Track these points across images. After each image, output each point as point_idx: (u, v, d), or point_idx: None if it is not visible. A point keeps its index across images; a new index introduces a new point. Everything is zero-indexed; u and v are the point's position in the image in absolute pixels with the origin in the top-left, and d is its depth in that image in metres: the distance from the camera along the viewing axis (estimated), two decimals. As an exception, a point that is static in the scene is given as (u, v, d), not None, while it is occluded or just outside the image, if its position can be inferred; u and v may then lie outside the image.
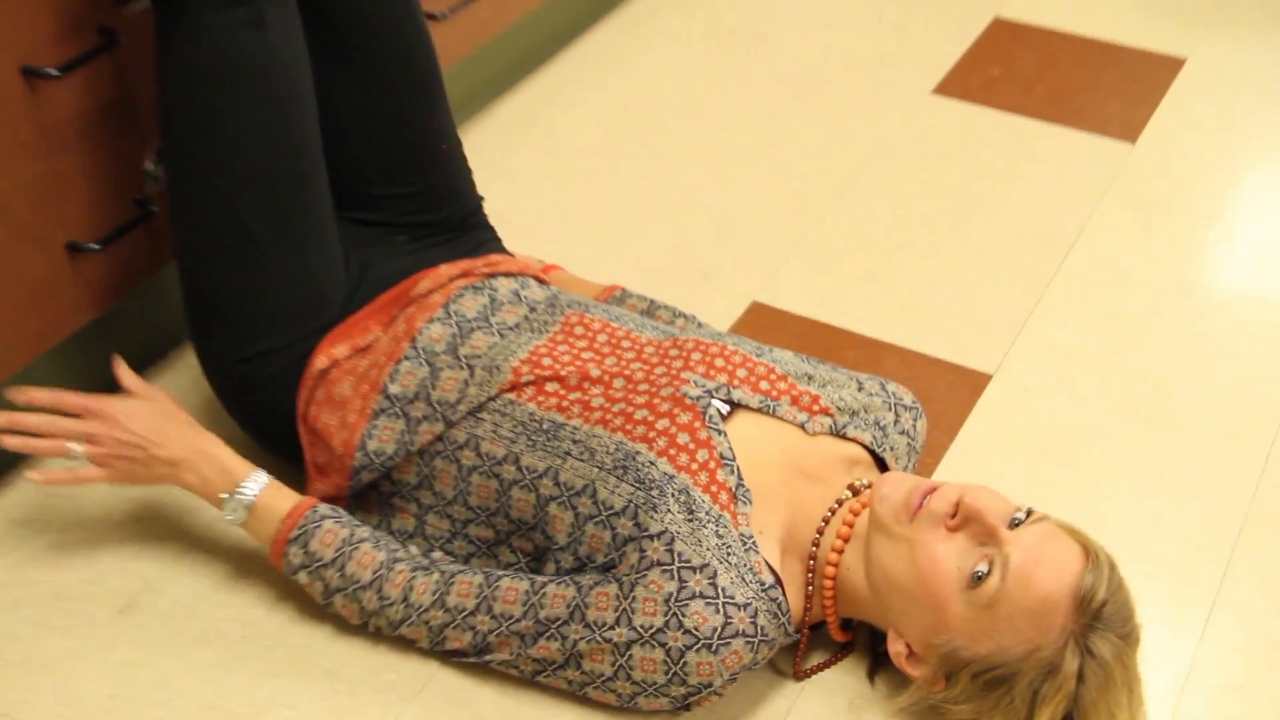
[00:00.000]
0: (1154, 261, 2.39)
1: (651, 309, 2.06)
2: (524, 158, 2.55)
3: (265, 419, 1.83)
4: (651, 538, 1.59)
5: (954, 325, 2.26)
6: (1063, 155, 2.63)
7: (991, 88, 2.80)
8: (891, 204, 2.50)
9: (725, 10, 2.98)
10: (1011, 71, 2.85)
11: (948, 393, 2.13)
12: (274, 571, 1.72)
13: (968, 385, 2.15)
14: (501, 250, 2.03)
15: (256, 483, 1.72)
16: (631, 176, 2.52)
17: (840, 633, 1.71)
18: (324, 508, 1.71)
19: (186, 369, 2.07)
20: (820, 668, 1.73)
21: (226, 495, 1.72)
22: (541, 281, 1.95)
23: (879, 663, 1.72)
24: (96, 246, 1.80)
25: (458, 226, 2.00)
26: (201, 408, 1.98)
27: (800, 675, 1.72)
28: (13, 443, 1.72)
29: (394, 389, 1.75)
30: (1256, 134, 2.72)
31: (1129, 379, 2.17)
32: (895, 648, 1.63)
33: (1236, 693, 1.76)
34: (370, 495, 1.79)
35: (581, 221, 2.42)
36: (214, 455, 1.75)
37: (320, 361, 1.78)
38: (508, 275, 1.91)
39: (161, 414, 1.78)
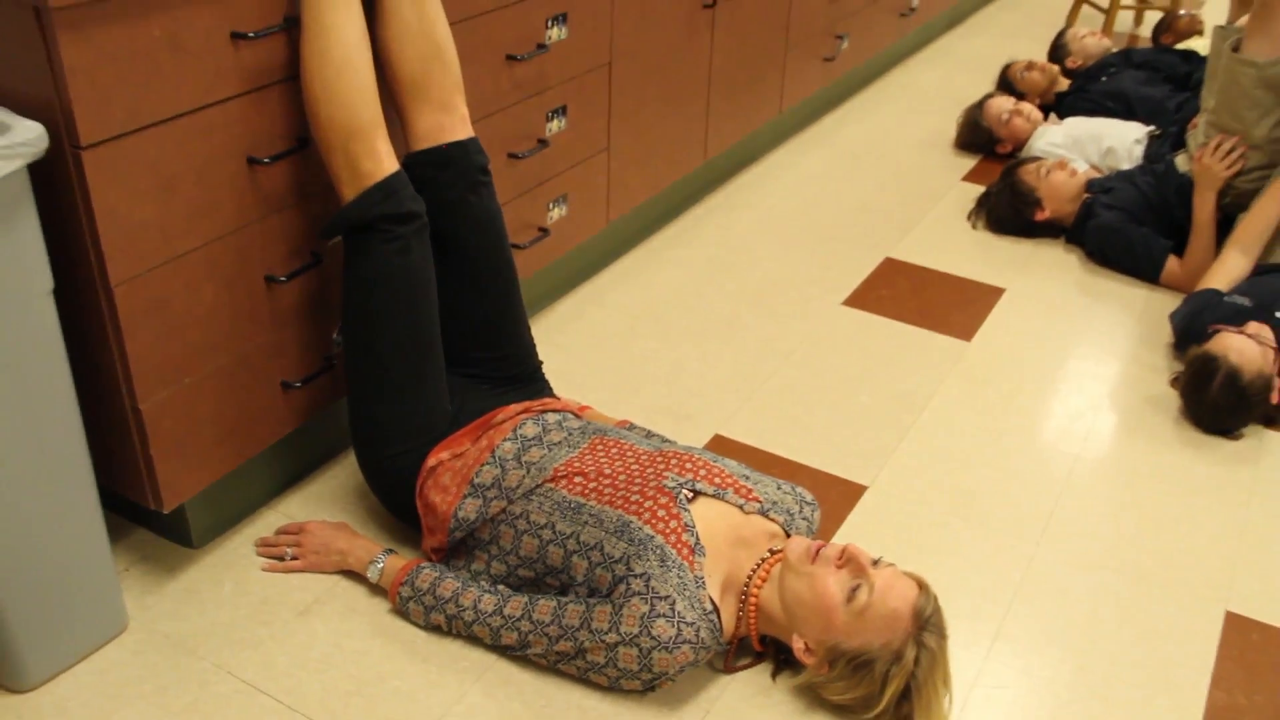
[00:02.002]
0: (980, 417, 2.37)
1: (650, 436, 2.03)
2: (572, 336, 2.54)
3: (395, 496, 1.84)
4: (636, 576, 1.60)
5: (845, 454, 2.23)
6: (924, 347, 2.60)
7: (881, 301, 2.77)
8: (811, 374, 2.47)
9: (710, 246, 2.97)
10: (895, 292, 2.82)
11: (837, 497, 2.11)
12: (388, 606, 1.75)
13: (851, 492, 2.13)
14: (552, 394, 2.02)
15: (385, 555, 1.79)
16: (643, 352, 2.50)
17: (758, 644, 1.72)
18: (423, 565, 1.75)
19: (349, 464, 2.09)
20: (743, 667, 1.73)
21: (371, 563, 1.79)
22: (579, 415, 1.94)
23: (779, 668, 1.72)
24: (299, 385, 1.84)
25: (524, 379, 2.00)
26: (355, 491, 2.02)
27: (729, 670, 1.72)
28: (261, 552, 1.86)
29: (478, 481, 1.76)
30: (1050, 338, 2.68)
31: (958, 492, 2.15)
32: (797, 645, 1.64)
33: (1007, 703, 1.75)
34: (460, 547, 1.80)
35: (608, 379, 2.40)
36: (361, 545, 1.83)
37: (431, 461, 1.80)
38: (555, 411, 1.91)
39: (331, 529, 1.86)
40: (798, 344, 2.60)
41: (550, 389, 2.06)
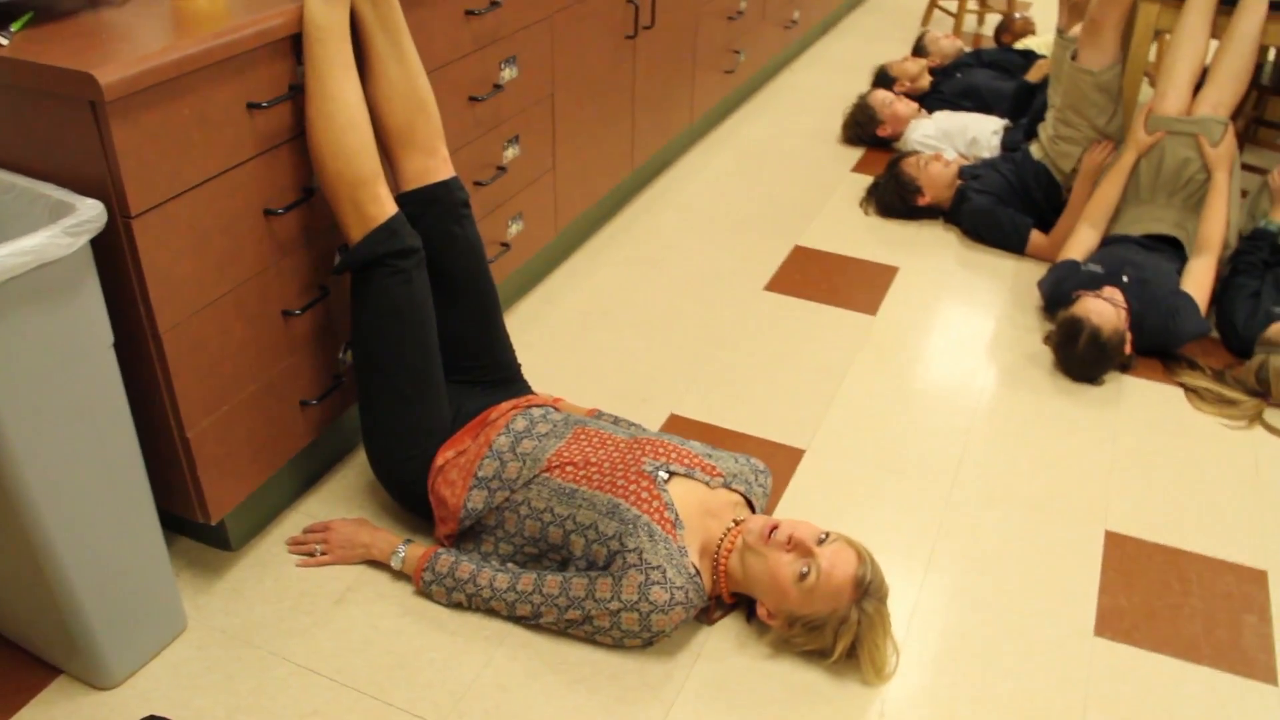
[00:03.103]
0: (891, 381, 2.47)
1: (617, 421, 2.10)
2: (535, 336, 2.58)
3: (409, 494, 1.89)
4: (630, 550, 1.68)
5: (783, 422, 2.31)
6: (836, 323, 2.69)
7: (796, 285, 2.85)
8: (746, 354, 2.54)
9: (643, 245, 3.02)
10: (807, 276, 2.89)
11: (782, 461, 2.20)
12: (412, 589, 1.80)
13: (792, 456, 2.21)
14: (531, 392, 2.07)
15: (405, 545, 1.84)
16: (598, 345, 2.55)
17: (729, 599, 1.80)
18: (440, 551, 1.81)
19: (358, 464, 2.13)
20: (720, 617, 1.82)
21: (393, 554, 1.84)
22: (557, 408, 2.01)
23: (752, 614, 1.81)
24: (315, 401, 1.88)
25: (508, 381, 2.05)
26: (365, 488, 2.07)
27: (710, 622, 1.81)
28: (293, 550, 1.89)
29: (481, 474, 1.82)
30: (941, 308, 2.78)
31: (882, 448, 2.25)
32: (761, 611, 1.74)
33: (941, 620, 1.88)
34: (468, 533, 1.85)
35: (572, 372, 2.45)
36: (383, 537, 1.88)
37: (439, 461, 1.85)
38: (539, 406, 1.97)
39: (354, 525, 1.91)
40: (730, 328, 2.67)
41: (529, 386, 2.11)
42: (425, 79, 1.84)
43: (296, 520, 1.98)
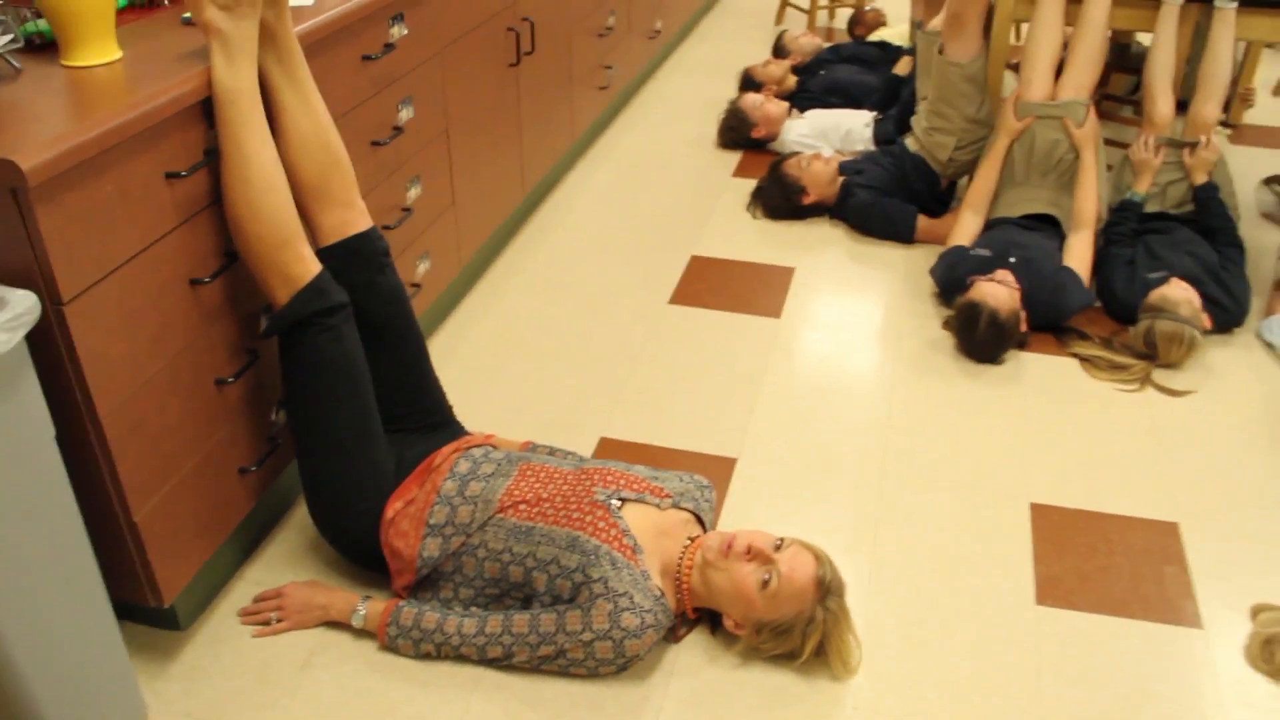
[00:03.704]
0: (807, 380, 2.55)
1: (554, 451, 2.12)
2: (453, 373, 2.57)
3: (360, 549, 1.88)
4: (595, 581, 1.71)
5: (711, 433, 2.37)
6: (745, 329, 2.77)
7: (699, 295, 2.91)
8: (662, 369, 2.59)
9: (542, 268, 3.04)
10: (708, 285, 2.96)
11: (717, 472, 2.26)
12: (377, 645, 1.79)
13: (726, 466, 2.28)
14: (467, 432, 2.08)
15: (365, 602, 1.83)
16: (515, 375, 2.56)
17: (693, 613, 1.85)
18: (402, 604, 1.80)
19: (297, 524, 2.09)
20: (686, 634, 1.87)
21: (353, 612, 1.83)
22: (495, 446, 2.02)
23: (717, 626, 1.87)
24: (255, 468, 1.85)
25: (443, 423, 2.06)
26: (308, 547, 2.03)
27: (677, 639, 1.86)
28: (247, 621, 1.86)
29: (433, 521, 1.83)
30: (840, 303, 2.89)
31: (810, 448, 2.33)
32: (728, 622, 1.80)
33: (894, 609, 1.97)
34: (426, 581, 1.85)
35: (495, 406, 2.45)
36: (340, 597, 1.86)
37: (389, 514, 1.84)
38: (478, 446, 1.99)
39: (308, 587, 1.89)
40: (642, 344, 2.72)
41: (463, 427, 2.12)
42: (335, 130, 1.84)
43: (244, 590, 1.95)
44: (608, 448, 2.35)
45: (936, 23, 3.23)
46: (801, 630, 1.76)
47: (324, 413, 1.80)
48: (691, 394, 2.54)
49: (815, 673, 1.82)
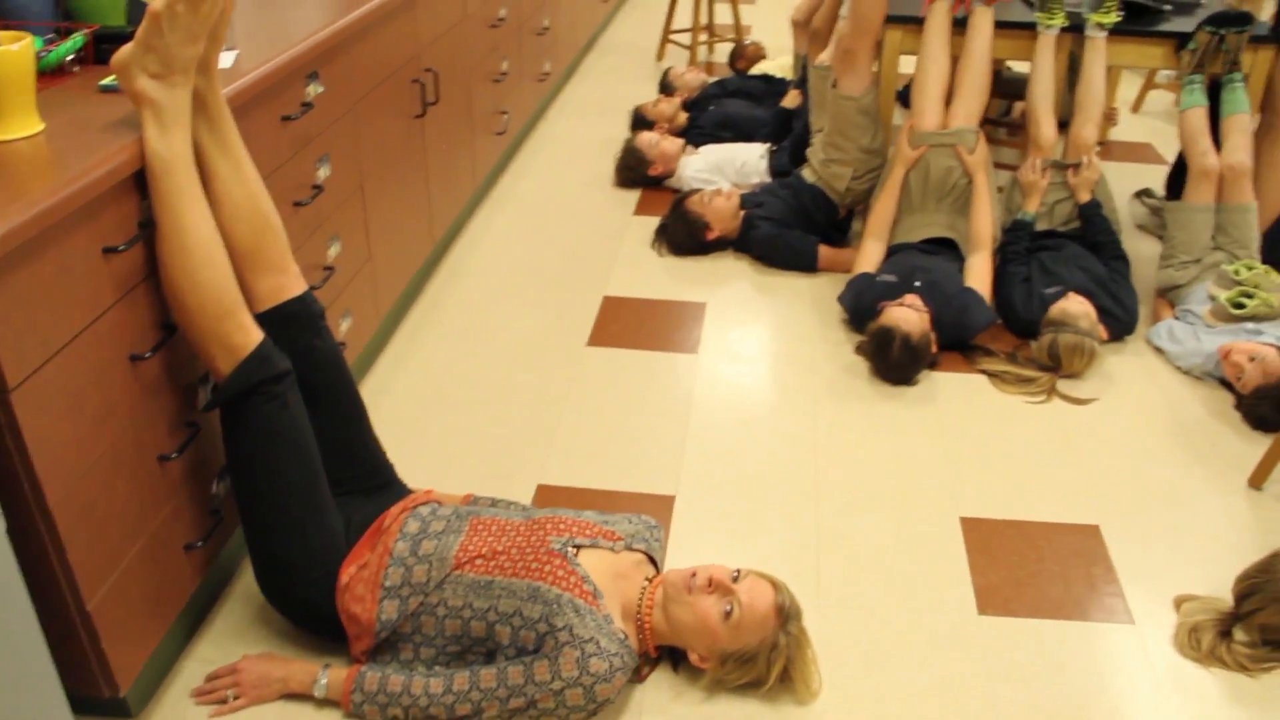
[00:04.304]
0: (732, 413, 2.62)
1: (495, 503, 2.13)
2: (381, 429, 2.50)
3: (315, 617, 1.86)
4: (560, 629, 1.73)
5: (646, 473, 2.40)
6: (665, 367, 2.81)
7: (616, 336, 2.95)
8: (589, 412, 2.61)
9: (456, 318, 3.03)
10: (624, 325, 3.00)
11: (657, 510, 2.29)
12: (341, 713, 1.77)
13: (665, 503, 2.32)
14: (410, 490, 2.08)
15: (325, 672, 1.81)
16: (444, 428, 2.55)
17: (654, 652, 1.88)
18: (365, 669, 1.78)
19: (241, 596, 2.05)
20: (649, 673, 1.90)
21: (314, 683, 1.81)
22: (439, 503, 2.01)
23: (678, 662, 1.91)
24: (200, 544, 1.83)
25: (387, 483, 2.05)
26: (255, 618, 1.99)
27: (641, 679, 1.89)
28: (202, 701, 1.82)
29: (388, 584, 1.82)
30: (754, 335, 2.98)
31: (743, 481, 2.38)
32: (692, 656, 1.84)
33: (845, 631, 2.04)
34: (384, 644, 1.83)
35: (428, 461, 2.44)
36: (299, 668, 1.84)
37: (343, 580, 1.83)
38: (424, 504, 1.98)
39: (264, 660, 1.86)
40: (565, 388, 2.73)
41: (405, 486, 2.12)
42: (267, 195, 1.83)
43: (194, 669, 1.91)
44: (545, 495, 2.37)
45: (825, 57, 3.37)
46: (766, 657, 1.81)
47: (273, 483, 1.78)
48: (622, 435, 2.57)
49: (779, 699, 1.87)
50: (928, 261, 2.95)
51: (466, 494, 2.19)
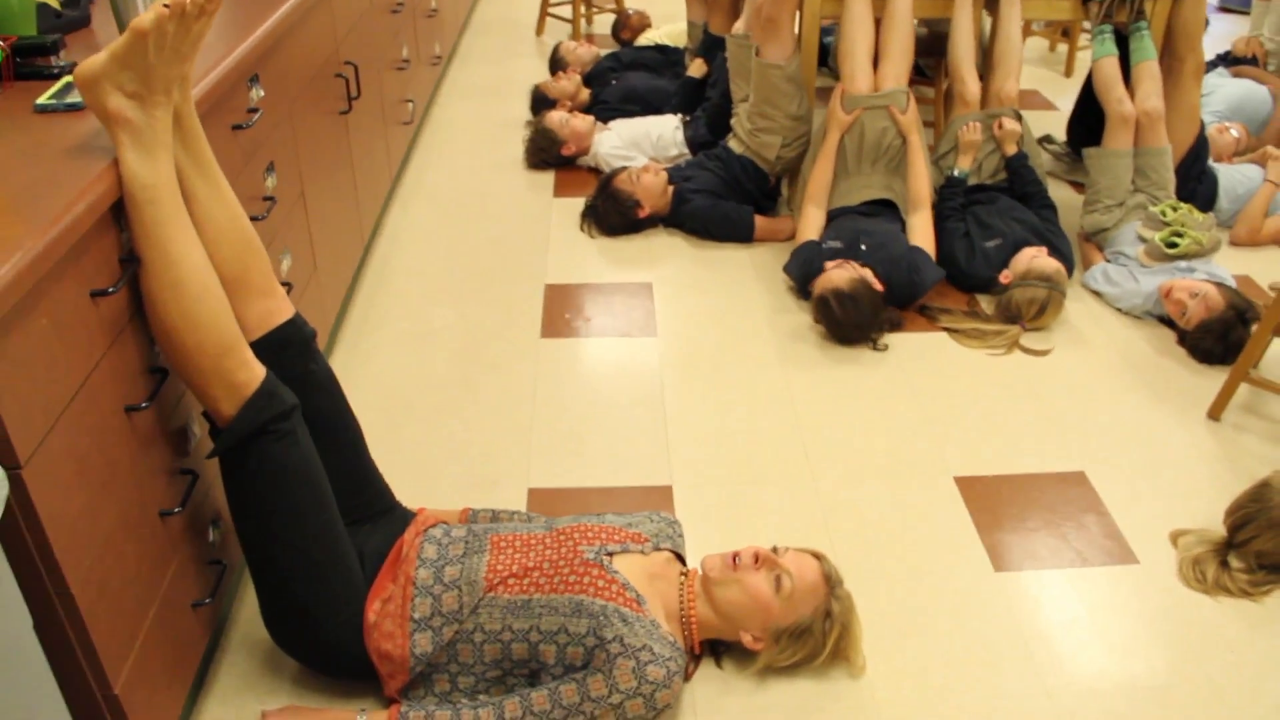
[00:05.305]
0: (705, 394, 2.55)
1: (497, 514, 2.03)
2: None
3: (342, 660, 1.71)
4: (610, 641, 1.64)
5: (637, 465, 2.32)
6: (628, 353, 2.71)
7: (569, 326, 2.82)
8: (561, 407, 2.49)
9: (397, 322, 2.85)
10: (574, 313, 2.86)
11: (658, 502, 2.21)
12: None
13: (664, 494, 2.24)
14: (413, 513, 1.93)
15: (362, 716, 1.68)
16: (415, 439, 2.39)
17: (698, 649, 1.82)
18: (405, 708, 1.67)
19: (241, 646, 1.87)
20: (694, 671, 1.83)
21: None
22: (448, 523, 1.90)
23: (720, 656, 1.86)
24: (209, 600, 1.68)
25: (390, 508, 1.92)
26: (263, 668, 1.84)
27: (688, 678, 1.82)
28: None
29: (416, 615, 1.70)
30: (706, 311, 2.91)
31: (735, 463, 2.33)
32: (745, 639, 1.78)
33: (873, 603, 2.00)
34: (418, 678, 1.72)
35: (407, 476, 2.28)
36: (333, 716, 1.71)
37: (370, 617, 1.70)
38: (433, 526, 1.86)
39: (290, 714, 1.72)
40: (531, 385, 2.61)
41: (407, 509, 1.98)
42: (246, 216, 1.65)
43: (210, 735, 1.73)
44: (537, 498, 2.25)
45: (740, 26, 3.29)
46: (821, 626, 1.78)
47: (289, 526, 1.63)
48: (601, 428, 2.46)
49: (829, 676, 1.83)
50: (870, 225, 2.92)
51: (464, 509, 2.07)
